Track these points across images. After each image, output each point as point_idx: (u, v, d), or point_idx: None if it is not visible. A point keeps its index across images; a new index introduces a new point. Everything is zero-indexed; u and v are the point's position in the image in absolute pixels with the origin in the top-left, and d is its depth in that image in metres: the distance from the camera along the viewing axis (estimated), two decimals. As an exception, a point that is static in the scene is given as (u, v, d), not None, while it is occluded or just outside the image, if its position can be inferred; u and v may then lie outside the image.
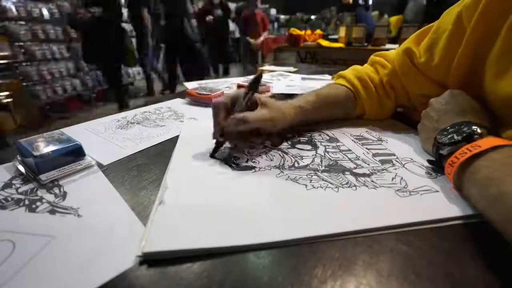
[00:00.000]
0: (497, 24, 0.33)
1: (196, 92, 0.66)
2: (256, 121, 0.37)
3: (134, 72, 3.92)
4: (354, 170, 0.35)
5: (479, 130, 0.30)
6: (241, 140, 0.40)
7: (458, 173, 0.29)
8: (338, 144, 0.43)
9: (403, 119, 0.53)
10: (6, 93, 2.27)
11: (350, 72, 0.52)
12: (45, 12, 2.71)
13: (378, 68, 0.52)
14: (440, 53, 0.42)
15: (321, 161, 0.38)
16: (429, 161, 0.36)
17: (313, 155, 0.39)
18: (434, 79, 0.45)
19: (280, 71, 1.12)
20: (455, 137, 0.31)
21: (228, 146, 0.41)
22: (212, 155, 0.39)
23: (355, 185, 0.32)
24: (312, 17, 6.75)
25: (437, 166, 0.35)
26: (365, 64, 0.55)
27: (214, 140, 0.39)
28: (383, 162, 0.37)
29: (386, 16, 3.24)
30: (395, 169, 0.36)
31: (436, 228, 0.26)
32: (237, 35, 4.65)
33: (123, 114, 0.58)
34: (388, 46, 2.32)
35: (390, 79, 0.50)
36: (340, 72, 0.53)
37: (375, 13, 3.44)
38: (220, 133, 0.38)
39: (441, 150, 0.32)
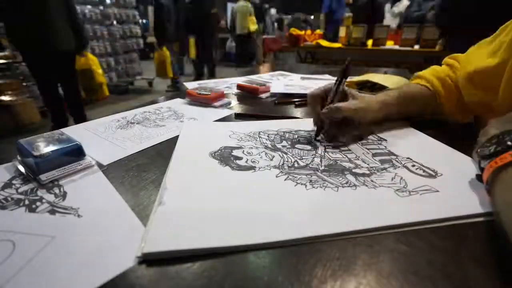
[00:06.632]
0: None
1: (196, 92, 0.66)
2: (348, 110, 0.42)
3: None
4: (353, 170, 0.35)
5: None
6: (334, 128, 0.44)
7: (492, 177, 0.27)
8: (337, 144, 0.43)
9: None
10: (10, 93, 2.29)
11: (429, 72, 0.53)
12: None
13: (455, 70, 0.52)
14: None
15: (321, 161, 0.38)
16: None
17: (313, 155, 0.39)
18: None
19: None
20: (496, 148, 0.28)
21: (232, 146, 0.41)
22: (315, 138, 0.45)
23: (354, 185, 0.32)
24: (311, 17, 6.75)
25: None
26: (442, 66, 0.55)
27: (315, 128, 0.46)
28: (383, 162, 0.37)
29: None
30: (395, 169, 0.36)
31: (436, 228, 0.26)
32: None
33: (123, 114, 0.58)
34: (388, 46, 2.32)
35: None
36: (419, 73, 0.54)
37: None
38: (319, 120, 0.44)
39: (482, 164, 0.30)
